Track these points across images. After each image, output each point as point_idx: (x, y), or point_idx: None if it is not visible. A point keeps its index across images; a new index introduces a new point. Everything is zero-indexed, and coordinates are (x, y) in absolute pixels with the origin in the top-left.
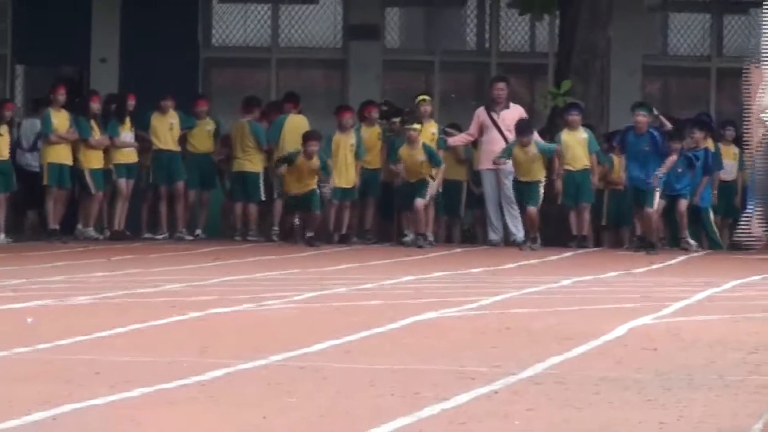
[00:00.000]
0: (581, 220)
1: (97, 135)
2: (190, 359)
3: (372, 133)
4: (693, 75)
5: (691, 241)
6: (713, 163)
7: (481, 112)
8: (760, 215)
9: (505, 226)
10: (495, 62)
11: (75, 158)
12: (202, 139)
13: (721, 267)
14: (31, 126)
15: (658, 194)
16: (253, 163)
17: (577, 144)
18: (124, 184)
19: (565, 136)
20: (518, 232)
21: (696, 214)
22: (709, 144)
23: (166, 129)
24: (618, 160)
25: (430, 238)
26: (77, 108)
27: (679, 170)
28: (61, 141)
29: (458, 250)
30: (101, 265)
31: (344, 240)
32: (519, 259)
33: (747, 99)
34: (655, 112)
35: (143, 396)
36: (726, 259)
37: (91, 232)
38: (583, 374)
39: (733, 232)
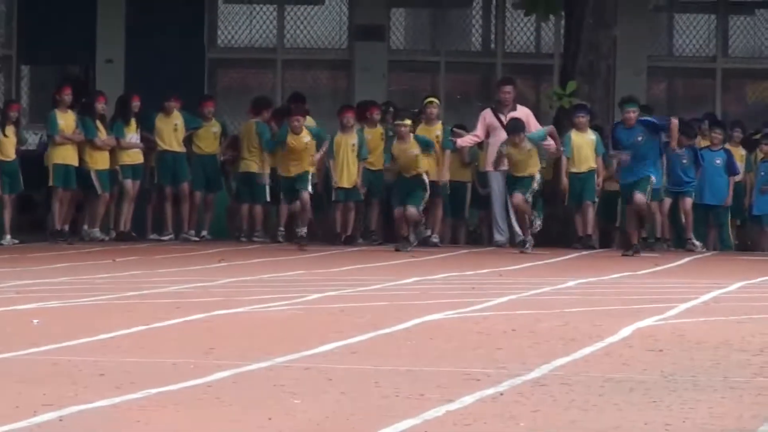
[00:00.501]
0: (585, 218)
1: (103, 136)
2: (195, 360)
3: (374, 134)
4: (698, 75)
5: (696, 242)
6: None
7: (487, 114)
8: None
9: (511, 228)
10: (500, 63)
11: (81, 159)
12: (208, 141)
13: (727, 268)
14: None
15: (651, 184)
16: (258, 164)
17: (584, 145)
18: (130, 185)
19: (573, 136)
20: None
21: (706, 213)
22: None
23: (171, 130)
24: None
25: (436, 239)
26: (83, 108)
27: (684, 161)
28: (66, 142)
29: (464, 251)
30: (106, 266)
31: (349, 241)
32: (524, 261)
33: None
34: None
35: (149, 397)
36: (731, 260)
37: (96, 233)
38: (589, 375)
39: (740, 233)
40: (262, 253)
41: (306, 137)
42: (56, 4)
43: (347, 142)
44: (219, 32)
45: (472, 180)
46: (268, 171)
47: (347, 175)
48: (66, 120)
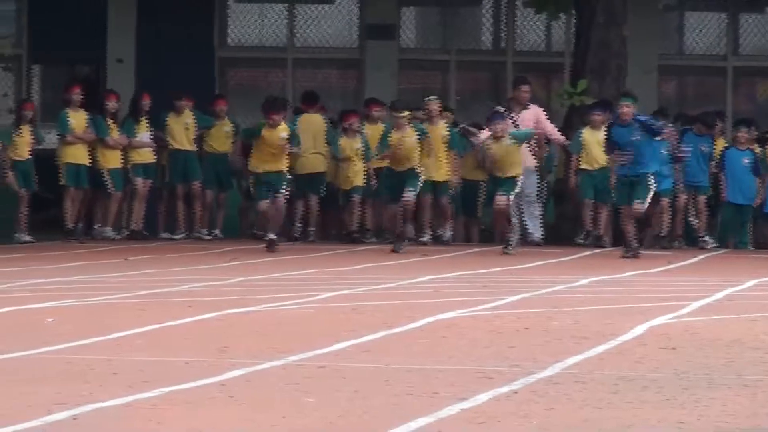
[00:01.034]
0: (599, 219)
1: (114, 134)
2: (208, 359)
3: (376, 131)
4: (709, 74)
5: (707, 239)
6: (761, 164)
7: None
8: None
9: (524, 226)
10: (511, 61)
11: (93, 158)
12: (220, 140)
13: (740, 266)
14: None
15: (652, 191)
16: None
17: (597, 143)
18: (141, 183)
19: (586, 134)
20: (536, 231)
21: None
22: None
23: (182, 129)
24: None
25: (449, 235)
26: (95, 107)
27: (703, 148)
28: (77, 141)
29: (476, 249)
30: (119, 265)
31: (354, 238)
32: (537, 259)
33: None
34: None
35: (162, 396)
36: (744, 258)
37: (108, 232)
38: (602, 374)
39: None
40: (274, 252)
41: (283, 133)
42: (67, 4)
43: (352, 146)
44: (229, 31)
45: (486, 179)
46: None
47: (352, 178)
48: (77, 119)
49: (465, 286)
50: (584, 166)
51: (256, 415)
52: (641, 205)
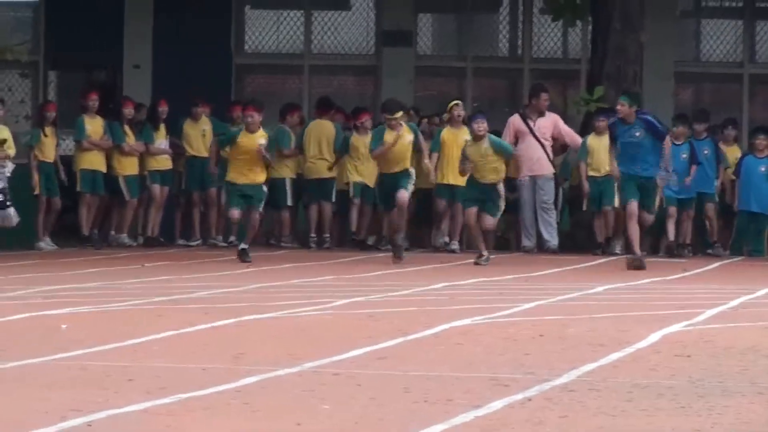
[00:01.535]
0: (606, 223)
1: (131, 141)
2: (224, 366)
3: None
4: (725, 81)
5: (719, 248)
6: None
7: (516, 120)
8: None
9: (539, 233)
10: (527, 68)
11: (109, 165)
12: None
13: (755, 274)
14: None
15: (656, 194)
16: (278, 169)
17: (603, 149)
18: (158, 190)
19: (591, 140)
20: (552, 239)
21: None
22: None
23: (199, 135)
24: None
25: (455, 246)
26: (112, 114)
27: (705, 152)
28: (93, 147)
29: (492, 256)
30: (135, 271)
31: (362, 244)
32: (552, 266)
33: None
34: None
35: (178, 402)
36: (759, 266)
37: (124, 238)
38: (617, 381)
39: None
40: (290, 259)
41: (261, 139)
42: (83, 10)
43: (364, 143)
44: (246, 38)
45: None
46: (287, 176)
47: (367, 174)
48: (93, 125)
49: (480, 293)
50: (591, 173)
51: (272, 421)
52: (651, 216)
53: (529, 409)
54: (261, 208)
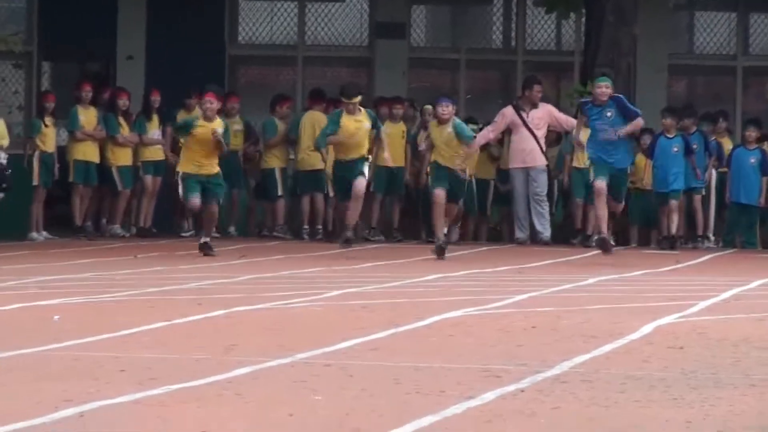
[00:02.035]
0: (577, 216)
1: (125, 132)
2: (216, 357)
3: (396, 129)
4: (719, 73)
5: (711, 236)
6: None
7: (509, 111)
8: None
9: (532, 225)
10: (521, 60)
11: (102, 155)
12: (231, 138)
13: (747, 266)
14: None
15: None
16: (267, 160)
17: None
18: (150, 181)
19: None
20: (545, 230)
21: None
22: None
23: None
24: (645, 162)
25: (455, 237)
26: (105, 104)
27: (695, 145)
28: (87, 138)
29: (485, 248)
30: (128, 262)
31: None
32: (545, 258)
33: None
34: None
35: (170, 393)
36: (751, 258)
37: (116, 229)
38: (609, 373)
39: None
40: (282, 250)
41: (218, 127)
42: (77, 1)
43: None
44: (240, 29)
45: (494, 177)
46: (277, 166)
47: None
48: (87, 116)
49: (473, 285)
50: (577, 164)
51: (264, 412)
52: (619, 206)
53: (521, 400)
54: (221, 200)
